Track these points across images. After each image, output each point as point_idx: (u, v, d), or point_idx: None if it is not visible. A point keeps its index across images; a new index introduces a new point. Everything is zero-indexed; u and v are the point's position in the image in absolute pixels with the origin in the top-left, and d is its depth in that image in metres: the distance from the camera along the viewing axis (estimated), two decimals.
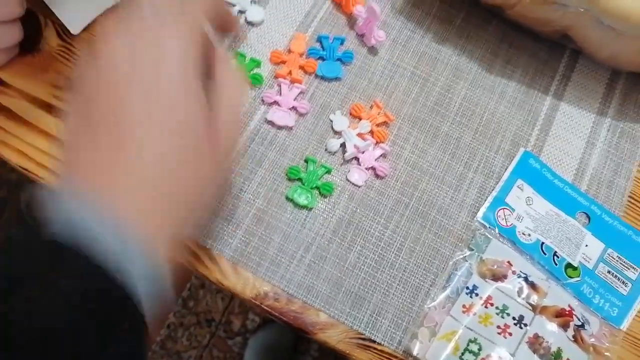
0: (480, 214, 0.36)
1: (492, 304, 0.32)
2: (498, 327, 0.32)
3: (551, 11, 0.33)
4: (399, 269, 0.34)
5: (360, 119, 0.37)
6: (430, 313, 0.33)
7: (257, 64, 0.38)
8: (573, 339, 0.32)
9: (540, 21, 0.35)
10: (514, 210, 0.36)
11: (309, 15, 0.39)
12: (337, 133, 0.37)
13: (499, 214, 0.36)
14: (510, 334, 0.32)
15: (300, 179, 0.35)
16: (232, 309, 1.15)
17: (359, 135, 0.36)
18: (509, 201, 0.36)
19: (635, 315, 0.34)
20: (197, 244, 0.34)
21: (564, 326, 0.32)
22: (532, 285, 0.33)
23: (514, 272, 0.33)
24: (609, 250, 0.35)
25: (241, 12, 0.39)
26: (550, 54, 0.40)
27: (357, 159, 0.36)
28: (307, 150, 0.36)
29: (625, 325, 0.34)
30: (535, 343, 0.32)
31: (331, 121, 0.37)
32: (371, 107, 0.37)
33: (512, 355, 0.31)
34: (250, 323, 1.14)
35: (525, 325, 0.32)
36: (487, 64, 0.39)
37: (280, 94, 0.37)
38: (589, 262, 0.35)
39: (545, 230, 0.35)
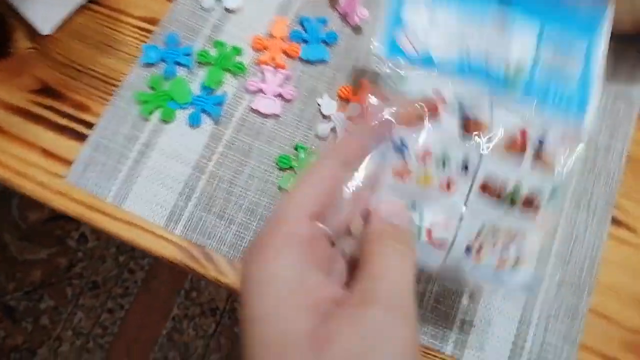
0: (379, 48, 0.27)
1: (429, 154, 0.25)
2: (440, 184, 0.25)
3: None
4: None
5: (348, 101, 0.36)
6: None
7: (238, 52, 0.36)
8: (533, 165, 0.26)
9: None
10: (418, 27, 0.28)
11: None
12: (327, 117, 0.36)
13: (403, 41, 0.28)
14: (457, 187, 0.25)
15: (292, 168, 0.34)
16: (235, 297, 1.16)
17: (349, 118, 0.35)
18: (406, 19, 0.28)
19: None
20: (192, 243, 0.33)
21: (519, 156, 0.26)
22: (474, 122, 0.26)
23: (445, 110, 0.26)
24: (547, 28, 0.28)
25: None
26: None
27: None
28: (297, 137, 0.35)
29: (587, 119, 0.27)
30: (488, 188, 0.25)
31: (319, 105, 0.36)
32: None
33: (464, 208, 0.25)
34: None
35: (473, 170, 0.25)
36: None
37: (265, 81, 0.36)
38: (528, 53, 0.28)
39: (464, 36, 0.28)
